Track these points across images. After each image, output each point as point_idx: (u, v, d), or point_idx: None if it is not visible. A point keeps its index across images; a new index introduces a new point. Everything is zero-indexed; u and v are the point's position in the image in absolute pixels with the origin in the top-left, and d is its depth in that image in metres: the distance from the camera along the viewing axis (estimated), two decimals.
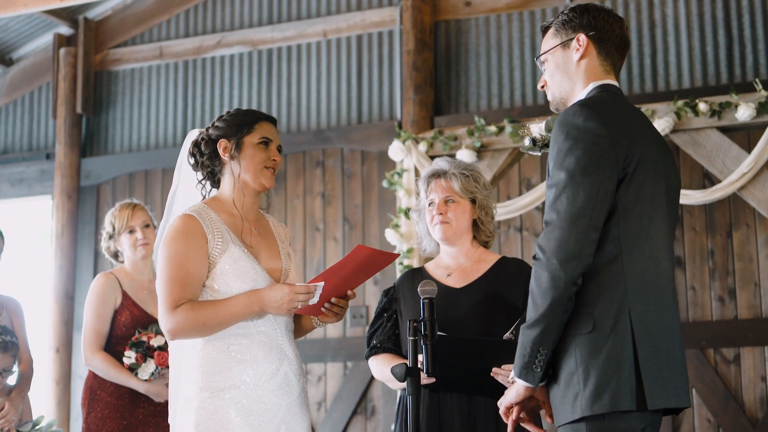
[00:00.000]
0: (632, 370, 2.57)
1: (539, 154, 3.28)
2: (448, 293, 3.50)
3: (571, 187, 2.61)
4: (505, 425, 3.19)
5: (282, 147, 3.37)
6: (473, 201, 3.59)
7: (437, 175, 3.62)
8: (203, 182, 3.37)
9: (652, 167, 2.72)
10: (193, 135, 3.41)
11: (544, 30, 2.96)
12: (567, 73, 2.87)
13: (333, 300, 3.22)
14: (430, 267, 3.66)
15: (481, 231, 3.63)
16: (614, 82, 2.86)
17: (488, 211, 3.63)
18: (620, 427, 2.58)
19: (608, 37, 2.85)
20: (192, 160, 3.36)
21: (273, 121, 3.35)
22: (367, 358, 3.67)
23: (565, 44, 2.87)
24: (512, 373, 2.73)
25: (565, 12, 2.90)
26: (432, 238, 3.64)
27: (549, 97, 2.94)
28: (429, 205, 3.61)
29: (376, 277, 6.98)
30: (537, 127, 3.15)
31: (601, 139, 2.63)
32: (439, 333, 3.29)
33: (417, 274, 3.63)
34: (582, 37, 2.84)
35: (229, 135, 3.27)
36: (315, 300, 3.14)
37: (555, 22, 2.91)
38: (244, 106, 7.65)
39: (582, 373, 2.58)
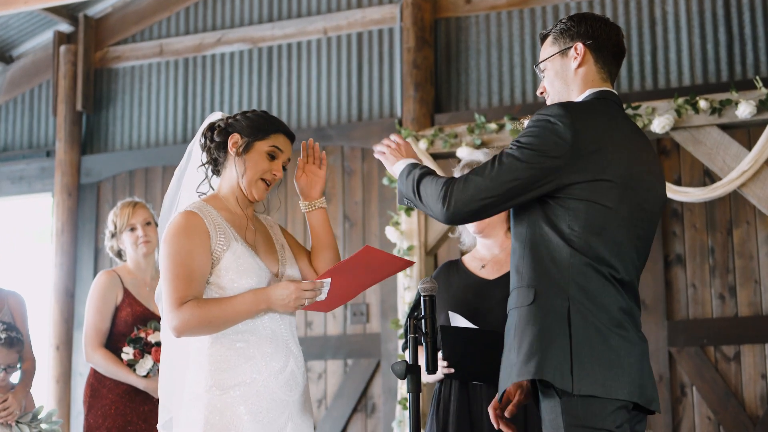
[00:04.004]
0: (564, 350, 2.67)
1: None
2: (480, 284, 3.56)
3: (510, 159, 2.77)
4: (533, 417, 3.26)
5: (290, 160, 3.37)
6: None
7: (471, 165, 3.65)
8: (206, 166, 3.36)
9: (621, 176, 2.79)
10: (214, 117, 3.40)
11: (543, 38, 3.06)
12: (565, 81, 2.97)
13: None
14: (466, 259, 3.71)
15: None
16: (610, 89, 2.95)
17: None
18: (595, 424, 2.66)
19: (605, 45, 2.95)
20: (202, 141, 3.36)
21: (292, 137, 3.34)
22: (403, 350, 3.71)
23: (563, 53, 2.97)
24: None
25: (563, 21, 3.00)
26: (469, 231, 3.69)
27: (548, 103, 3.02)
28: None
29: None
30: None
31: (560, 135, 2.75)
32: (458, 326, 3.35)
33: (453, 267, 3.69)
34: (579, 45, 2.93)
35: (244, 133, 3.26)
36: (323, 297, 3.13)
37: (553, 30, 3.01)
38: (245, 104, 7.66)
39: (517, 342, 2.74)
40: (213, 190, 3.37)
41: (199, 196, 3.36)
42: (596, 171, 2.76)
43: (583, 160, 2.75)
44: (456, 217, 2.81)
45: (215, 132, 3.31)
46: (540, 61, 3.03)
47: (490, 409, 3.08)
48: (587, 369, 2.67)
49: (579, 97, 2.92)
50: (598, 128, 2.80)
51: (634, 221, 2.83)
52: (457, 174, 3.71)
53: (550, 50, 2.99)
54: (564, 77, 2.96)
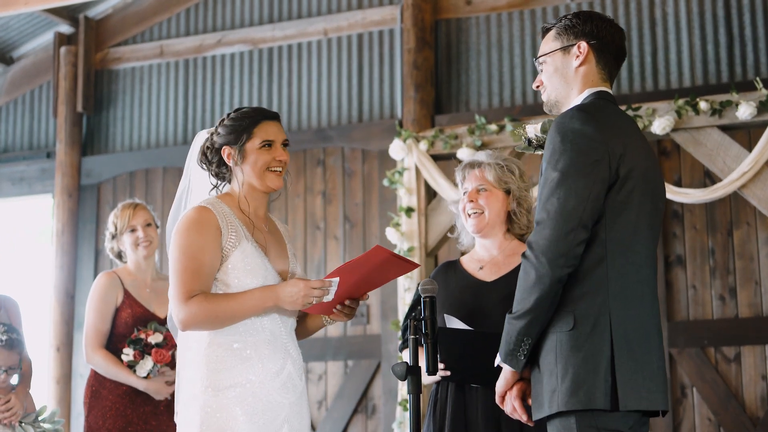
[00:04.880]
0: (608, 371, 2.66)
1: (533, 153, 3.32)
2: (478, 286, 3.54)
3: (563, 188, 2.69)
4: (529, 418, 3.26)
5: (289, 141, 3.36)
6: (508, 192, 3.59)
7: (472, 165, 3.64)
8: (217, 185, 3.36)
9: (642, 176, 2.79)
10: (200, 138, 3.40)
11: (545, 31, 3.01)
12: (564, 78, 2.94)
13: (347, 302, 3.22)
14: (464, 260, 3.68)
15: (514, 223, 3.63)
16: (609, 90, 2.94)
17: (523, 202, 3.61)
18: (607, 425, 2.67)
19: (608, 47, 2.93)
20: (203, 166, 3.36)
21: (275, 117, 3.33)
22: (401, 350, 3.69)
23: (565, 49, 2.93)
24: (498, 358, 2.83)
25: (568, 17, 2.96)
26: (468, 231, 3.65)
27: (544, 98, 3.01)
28: (463, 194, 3.62)
29: None
30: (533, 128, 3.20)
31: (596, 144, 2.71)
32: (455, 328, 3.34)
33: (451, 268, 3.66)
34: (583, 44, 2.91)
35: (231, 142, 3.26)
36: (330, 297, 3.12)
37: (557, 25, 2.97)
38: (245, 105, 7.65)
39: (560, 370, 2.68)
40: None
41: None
42: (625, 172, 2.75)
43: (616, 161, 2.74)
44: (555, 264, 2.65)
45: (208, 154, 3.32)
46: (540, 54, 2.99)
47: (515, 394, 2.94)
48: (631, 385, 2.67)
49: (578, 96, 2.90)
50: (617, 129, 2.79)
51: (653, 219, 2.83)
52: (458, 173, 3.71)
53: (552, 45, 2.96)
54: (564, 74, 2.93)
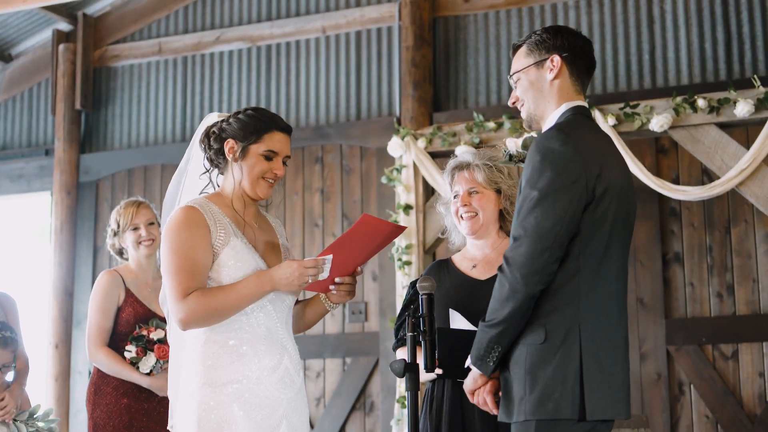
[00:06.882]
0: (577, 382, 2.74)
1: (514, 167, 3.38)
2: (472, 285, 3.54)
3: (541, 206, 2.76)
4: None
5: (290, 157, 3.36)
6: (498, 191, 3.61)
7: (460, 167, 3.64)
8: (209, 171, 3.36)
9: (617, 193, 2.86)
10: (210, 119, 3.39)
11: (516, 48, 3.08)
12: (540, 92, 3.00)
13: (338, 280, 3.24)
14: (456, 258, 3.68)
15: (507, 221, 3.64)
16: (584, 104, 3.01)
17: (514, 200, 3.63)
18: (565, 430, 2.75)
19: (580, 58, 3.00)
20: (202, 147, 3.36)
21: (288, 130, 3.32)
22: (395, 349, 3.69)
23: (538, 64, 3.00)
24: (468, 360, 2.92)
25: (537, 32, 3.03)
26: (459, 231, 3.66)
27: (523, 114, 3.07)
28: (454, 197, 3.62)
29: (374, 273, 6.99)
30: (513, 143, 3.28)
31: (574, 165, 2.78)
32: (453, 328, 3.35)
33: (443, 266, 3.66)
34: (556, 58, 2.97)
35: (238, 138, 3.25)
36: (325, 274, 3.14)
37: (528, 41, 3.04)
38: (243, 103, 7.67)
39: (529, 381, 2.77)
40: (218, 186, 3.37)
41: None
42: (601, 191, 2.80)
43: (593, 180, 2.80)
44: (530, 281, 2.74)
45: (211, 139, 3.32)
46: (514, 71, 3.05)
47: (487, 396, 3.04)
48: (598, 395, 2.75)
49: (556, 111, 2.96)
50: (594, 148, 2.85)
51: (624, 235, 2.90)
52: (446, 175, 3.72)
53: (525, 61, 3.02)
54: (540, 88, 2.99)
